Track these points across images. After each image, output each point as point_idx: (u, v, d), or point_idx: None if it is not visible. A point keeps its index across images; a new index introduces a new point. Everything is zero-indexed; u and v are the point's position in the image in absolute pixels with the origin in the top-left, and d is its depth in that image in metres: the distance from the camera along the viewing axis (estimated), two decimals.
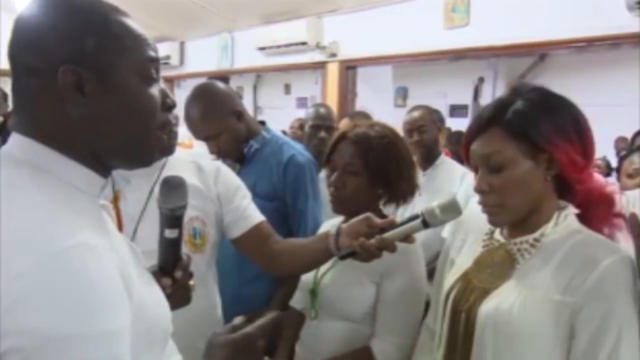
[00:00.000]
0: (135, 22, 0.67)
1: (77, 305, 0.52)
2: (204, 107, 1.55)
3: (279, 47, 4.40)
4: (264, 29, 4.52)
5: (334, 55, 4.14)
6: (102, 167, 0.67)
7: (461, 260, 1.05)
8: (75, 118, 0.62)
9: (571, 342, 0.85)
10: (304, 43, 4.18)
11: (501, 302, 0.90)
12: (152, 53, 0.67)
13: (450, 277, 1.03)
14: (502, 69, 6.50)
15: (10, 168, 0.60)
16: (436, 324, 1.08)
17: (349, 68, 4.14)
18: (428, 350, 1.11)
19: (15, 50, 0.63)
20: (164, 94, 0.70)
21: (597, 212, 0.94)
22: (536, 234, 0.93)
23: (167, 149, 1.22)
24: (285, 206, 1.62)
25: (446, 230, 1.16)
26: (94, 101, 0.62)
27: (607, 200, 0.94)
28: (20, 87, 0.63)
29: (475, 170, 0.96)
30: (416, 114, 2.28)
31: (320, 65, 4.29)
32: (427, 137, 2.25)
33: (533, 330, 0.85)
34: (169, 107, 0.72)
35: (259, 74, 8.20)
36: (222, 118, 1.57)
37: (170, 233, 0.87)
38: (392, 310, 1.17)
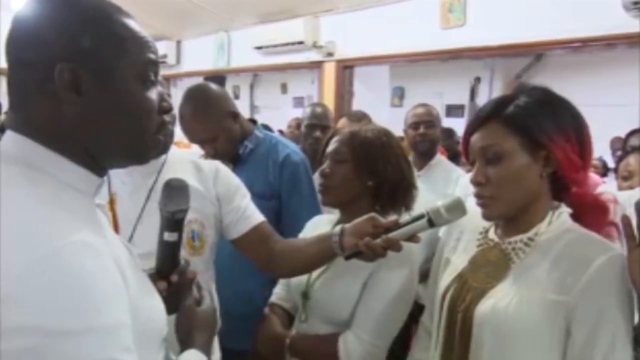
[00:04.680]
0: (137, 23, 0.66)
1: (75, 302, 0.52)
2: (199, 110, 1.54)
3: (275, 46, 4.39)
4: (260, 28, 4.51)
5: (330, 54, 4.13)
6: (97, 167, 0.67)
7: (456, 259, 1.05)
8: (70, 117, 0.61)
9: (567, 342, 0.85)
10: (300, 42, 4.17)
11: (497, 302, 0.90)
12: (152, 56, 0.67)
13: (446, 277, 1.03)
14: (498, 69, 6.50)
15: (2, 166, 0.59)
16: (432, 324, 1.08)
17: (346, 68, 4.14)
18: (425, 347, 1.11)
19: (14, 45, 0.62)
20: (161, 97, 0.70)
21: (590, 218, 0.94)
22: (530, 233, 0.93)
23: (163, 148, 1.21)
24: (281, 205, 1.62)
25: (442, 230, 1.15)
26: (90, 101, 0.61)
27: (601, 208, 0.95)
28: (16, 83, 0.62)
29: (473, 164, 0.97)
30: (424, 109, 2.37)
31: (317, 65, 4.28)
32: (432, 133, 2.31)
33: (529, 330, 0.86)
34: (166, 110, 0.71)
35: (255, 74, 8.18)
36: (218, 120, 1.56)
37: (169, 236, 0.86)
38: (371, 308, 1.16)
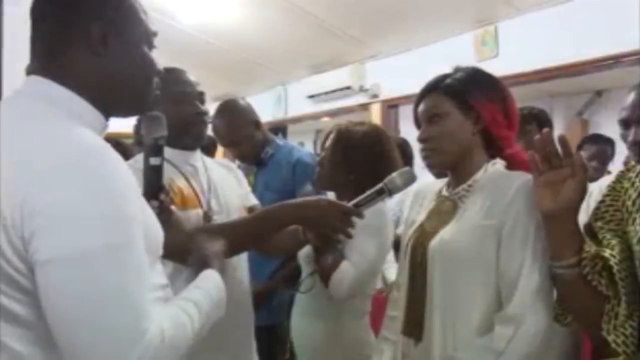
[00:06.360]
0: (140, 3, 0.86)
1: (96, 192, 0.65)
2: (228, 119, 1.84)
3: (326, 93, 4.73)
4: (312, 79, 4.90)
5: (376, 96, 4.38)
6: (106, 110, 0.81)
7: (419, 218, 1.19)
8: (95, 65, 0.78)
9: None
10: (348, 88, 4.47)
11: (443, 235, 1.03)
12: (153, 27, 0.87)
13: (410, 231, 1.17)
14: (557, 107, 6.37)
15: (26, 101, 0.74)
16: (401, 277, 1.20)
17: (391, 107, 4.35)
18: (397, 306, 1.20)
19: (55, 4, 0.79)
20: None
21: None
22: (470, 181, 1.08)
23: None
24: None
25: (407, 204, 1.32)
26: (113, 54, 0.79)
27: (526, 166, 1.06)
28: (47, 36, 0.78)
29: (419, 126, 1.14)
30: None
31: (364, 108, 4.53)
32: None
33: (469, 254, 0.98)
34: (159, 72, 0.89)
35: (318, 130, 8.61)
36: (243, 127, 1.85)
37: (154, 160, 1.00)
38: (358, 236, 1.32)
